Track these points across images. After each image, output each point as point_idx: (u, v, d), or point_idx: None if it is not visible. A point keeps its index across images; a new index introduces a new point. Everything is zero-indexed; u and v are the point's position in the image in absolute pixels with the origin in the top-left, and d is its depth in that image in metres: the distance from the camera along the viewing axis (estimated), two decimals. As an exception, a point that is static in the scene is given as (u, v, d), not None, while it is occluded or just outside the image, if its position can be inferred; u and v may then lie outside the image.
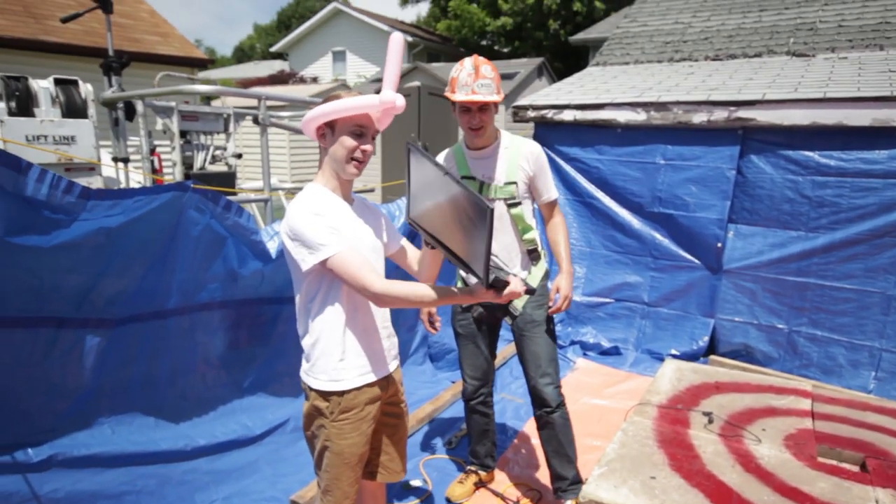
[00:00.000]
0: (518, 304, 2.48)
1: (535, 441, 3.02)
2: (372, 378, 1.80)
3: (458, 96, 2.27)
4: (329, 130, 1.70)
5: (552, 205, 2.51)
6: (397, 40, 1.72)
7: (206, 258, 2.50)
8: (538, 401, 2.49)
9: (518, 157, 2.40)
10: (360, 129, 1.69)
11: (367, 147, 1.72)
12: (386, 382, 1.87)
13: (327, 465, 1.79)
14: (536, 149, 2.45)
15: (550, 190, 2.49)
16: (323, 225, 1.62)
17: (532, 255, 2.49)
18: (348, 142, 1.69)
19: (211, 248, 2.50)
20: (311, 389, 1.78)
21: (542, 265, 2.53)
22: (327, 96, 1.72)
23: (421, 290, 1.66)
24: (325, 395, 1.75)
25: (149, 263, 2.32)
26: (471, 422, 2.79)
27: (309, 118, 1.68)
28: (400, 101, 1.68)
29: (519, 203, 2.41)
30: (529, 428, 3.35)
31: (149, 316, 2.38)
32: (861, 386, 3.81)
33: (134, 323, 2.33)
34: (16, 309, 2.04)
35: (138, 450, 2.34)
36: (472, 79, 2.25)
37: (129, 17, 9.90)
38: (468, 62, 2.29)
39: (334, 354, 1.75)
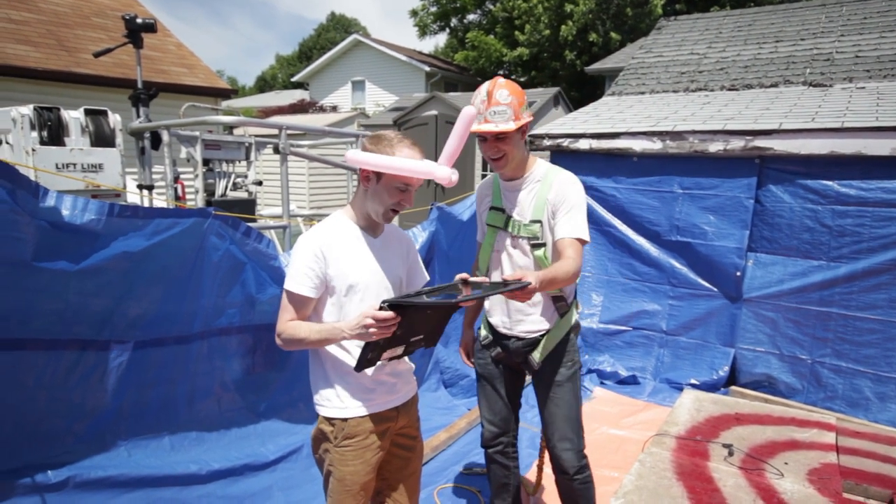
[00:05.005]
0: (536, 356, 2.25)
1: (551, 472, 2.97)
2: (376, 409, 1.81)
3: (472, 126, 2.01)
4: (375, 177, 1.74)
5: (569, 244, 2.06)
6: (468, 115, 1.74)
7: (226, 283, 2.54)
8: (556, 465, 2.30)
9: (547, 191, 2.15)
10: (406, 186, 1.75)
11: (407, 202, 1.77)
12: (395, 413, 1.86)
13: (331, 490, 1.81)
14: (566, 179, 2.16)
15: (570, 227, 2.08)
16: (305, 264, 1.70)
17: (558, 305, 2.23)
18: (391, 194, 1.74)
19: (231, 273, 2.54)
20: (319, 413, 1.82)
21: (571, 318, 2.28)
22: (376, 134, 1.76)
23: (303, 327, 1.71)
24: (330, 419, 1.78)
25: (170, 288, 2.37)
26: (489, 472, 2.52)
27: (358, 159, 1.70)
28: (455, 177, 1.72)
29: (544, 244, 2.16)
30: (546, 458, 3.30)
31: (169, 340, 2.42)
32: (889, 420, 3.69)
33: (154, 347, 2.37)
34: (40, 331, 2.09)
35: (154, 473, 2.35)
36: (485, 105, 2.06)
37: (156, 50, 10.25)
38: (484, 87, 2.10)
39: (337, 382, 1.78)
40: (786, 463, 2.33)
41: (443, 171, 1.71)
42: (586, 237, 2.11)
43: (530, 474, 3.17)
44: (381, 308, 1.51)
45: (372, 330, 1.52)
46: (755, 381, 4.27)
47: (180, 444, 2.51)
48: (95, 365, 2.21)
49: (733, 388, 4.24)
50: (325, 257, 1.70)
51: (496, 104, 2.05)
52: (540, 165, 2.23)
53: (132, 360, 2.29)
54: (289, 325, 1.72)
